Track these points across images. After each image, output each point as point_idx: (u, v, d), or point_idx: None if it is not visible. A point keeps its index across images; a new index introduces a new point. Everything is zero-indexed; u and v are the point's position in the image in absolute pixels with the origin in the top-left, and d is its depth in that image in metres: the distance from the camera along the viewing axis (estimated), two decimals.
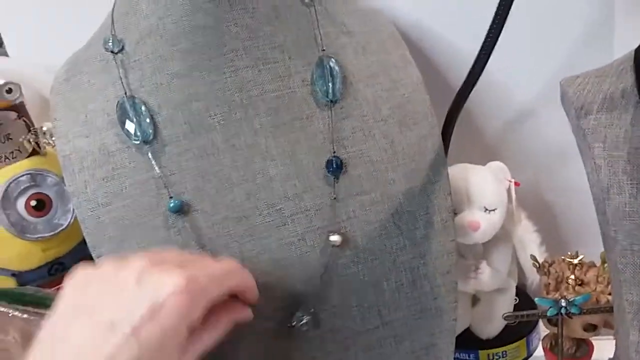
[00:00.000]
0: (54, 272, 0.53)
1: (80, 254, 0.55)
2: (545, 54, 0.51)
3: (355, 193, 0.40)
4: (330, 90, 0.41)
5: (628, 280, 0.35)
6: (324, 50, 0.42)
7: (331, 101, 0.41)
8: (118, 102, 0.40)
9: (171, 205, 0.38)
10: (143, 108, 0.40)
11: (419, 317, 0.41)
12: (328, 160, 0.40)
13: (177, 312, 0.28)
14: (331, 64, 0.42)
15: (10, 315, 0.45)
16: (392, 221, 0.40)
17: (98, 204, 0.39)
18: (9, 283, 0.51)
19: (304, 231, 0.39)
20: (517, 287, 0.53)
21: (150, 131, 0.39)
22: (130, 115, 0.39)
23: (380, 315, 0.40)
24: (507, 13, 0.39)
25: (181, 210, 0.38)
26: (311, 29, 0.43)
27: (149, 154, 0.39)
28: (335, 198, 0.40)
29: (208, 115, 0.40)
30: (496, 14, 0.39)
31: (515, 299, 0.54)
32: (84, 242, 0.55)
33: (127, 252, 0.38)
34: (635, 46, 0.38)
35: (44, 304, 0.47)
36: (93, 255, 0.39)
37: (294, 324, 0.38)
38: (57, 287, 0.53)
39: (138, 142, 0.39)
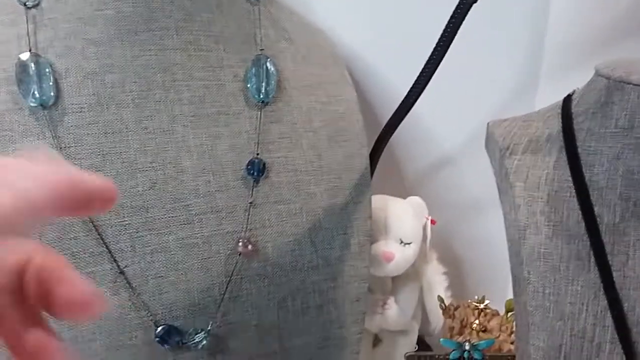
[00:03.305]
0: None
1: None
2: (472, 104, 0.53)
3: (273, 200, 0.37)
4: (263, 90, 0.39)
5: (537, 324, 0.35)
6: (262, 50, 0.40)
7: (262, 102, 0.39)
8: (19, 58, 0.35)
9: None
10: (48, 69, 0.35)
11: (321, 346, 0.38)
12: (250, 160, 0.37)
13: None
14: (268, 64, 0.40)
15: None
16: (308, 236, 0.38)
17: None
18: None
19: (211, 234, 0.35)
20: (417, 336, 0.52)
21: (52, 94, 0.34)
22: (31, 74, 0.34)
23: (280, 339, 0.37)
24: (442, 56, 0.39)
25: None
26: (252, 27, 0.41)
27: (45, 120, 0.34)
28: (252, 202, 0.36)
29: (122, 90, 0.35)
30: (431, 55, 0.40)
31: (415, 347, 0.52)
32: None
33: None
34: (555, 100, 0.40)
35: None
36: None
37: (185, 342, 0.33)
38: None
39: (35, 104, 0.34)
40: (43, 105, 0.34)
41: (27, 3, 0.37)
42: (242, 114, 0.38)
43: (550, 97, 0.41)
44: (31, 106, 0.34)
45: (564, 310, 0.35)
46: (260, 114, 0.38)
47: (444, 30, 0.39)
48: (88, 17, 0.36)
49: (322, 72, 0.44)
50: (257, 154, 0.37)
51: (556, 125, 0.37)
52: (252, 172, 0.37)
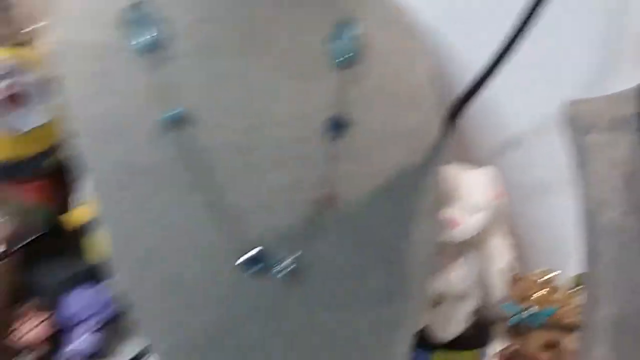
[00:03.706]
0: None
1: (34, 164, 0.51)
2: (545, 83, 0.52)
3: (351, 158, 0.39)
4: (347, 53, 0.40)
5: (607, 296, 0.36)
6: (347, 13, 0.41)
7: (345, 63, 0.40)
8: (129, 1, 0.38)
9: (170, 114, 0.36)
10: (157, 14, 0.37)
11: (389, 299, 0.40)
12: (331, 117, 0.39)
13: None
14: (353, 27, 0.41)
15: None
16: (384, 195, 0.39)
17: (85, 95, 0.36)
18: None
19: (296, 181, 0.38)
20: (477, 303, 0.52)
21: (157, 37, 0.37)
22: (141, 17, 0.37)
23: (352, 286, 0.39)
24: (522, 34, 0.39)
25: (176, 123, 0.36)
26: None
27: (150, 62, 0.37)
28: (331, 157, 0.38)
29: (224, 39, 0.38)
30: (511, 31, 0.39)
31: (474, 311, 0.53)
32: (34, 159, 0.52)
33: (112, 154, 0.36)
34: (635, 83, 0.39)
35: None
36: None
37: (267, 271, 0.37)
38: None
39: (140, 48, 0.37)
40: (147, 50, 0.37)
41: None
42: (326, 74, 0.40)
43: (631, 81, 0.40)
44: (137, 49, 0.37)
45: (634, 285, 0.35)
46: (343, 74, 0.40)
47: (526, 8, 0.38)
48: None
49: (403, 41, 0.45)
50: (338, 112, 0.39)
51: (638, 106, 0.37)
52: (332, 128, 0.39)
